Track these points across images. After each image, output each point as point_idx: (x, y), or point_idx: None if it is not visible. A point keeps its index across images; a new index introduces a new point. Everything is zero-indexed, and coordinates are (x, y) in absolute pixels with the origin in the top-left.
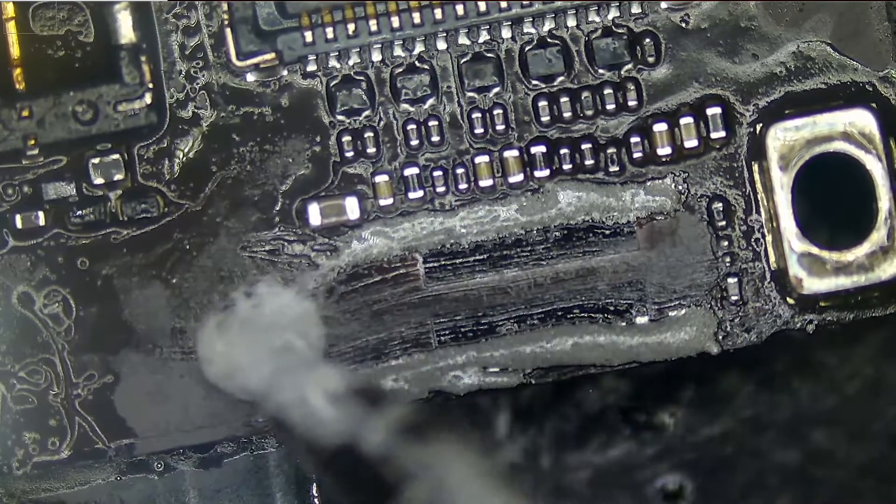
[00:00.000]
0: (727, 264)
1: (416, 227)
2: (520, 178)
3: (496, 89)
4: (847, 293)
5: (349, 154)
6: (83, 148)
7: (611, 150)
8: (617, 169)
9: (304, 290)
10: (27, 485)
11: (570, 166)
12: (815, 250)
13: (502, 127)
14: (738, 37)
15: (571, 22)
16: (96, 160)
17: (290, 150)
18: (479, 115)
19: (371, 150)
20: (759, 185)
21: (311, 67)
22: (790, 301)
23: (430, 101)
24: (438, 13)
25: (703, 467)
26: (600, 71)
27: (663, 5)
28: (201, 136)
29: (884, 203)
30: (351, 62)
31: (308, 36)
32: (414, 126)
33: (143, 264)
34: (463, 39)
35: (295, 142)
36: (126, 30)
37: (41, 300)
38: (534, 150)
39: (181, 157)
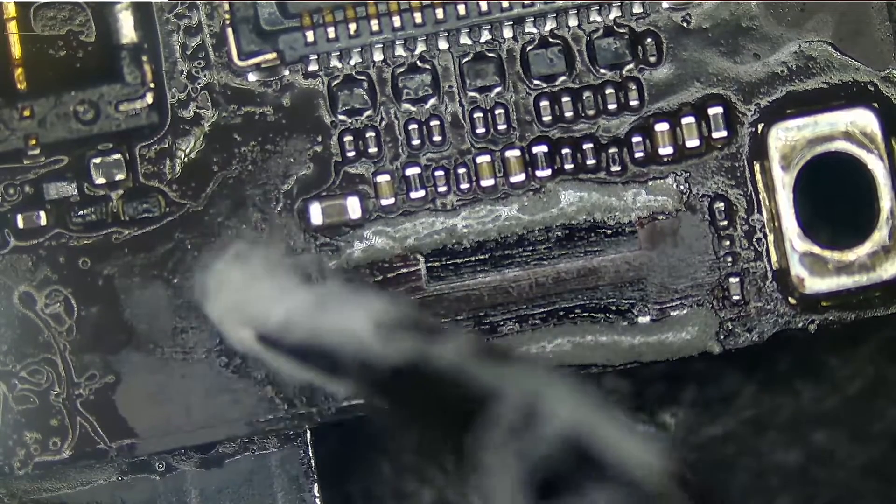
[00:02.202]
0: (729, 264)
1: (418, 226)
2: (521, 177)
3: (498, 89)
4: (849, 293)
5: (351, 154)
6: (84, 148)
7: (612, 150)
8: (618, 168)
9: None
10: (28, 485)
11: (572, 166)
12: (816, 250)
13: (504, 127)
14: (740, 36)
15: (573, 22)
16: (98, 160)
17: (292, 149)
18: (481, 114)
19: (372, 149)
20: (760, 185)
21: (313, 67)
22: (792, 301)
23: (432, 101)
24: (440, 13)
25: (704, 467)
26: (602, 70)
27: (665, 5)
28: (203, 136)
29: (885, 202)
30: (352, 62)
31: (309, 36)
32: (415, 126)
33: (144, 264)
34: (464, 39)
35: (296, 142)
36: (127, 30)
37: (43, 300)
38: (535, 149)
39: (182, 156)
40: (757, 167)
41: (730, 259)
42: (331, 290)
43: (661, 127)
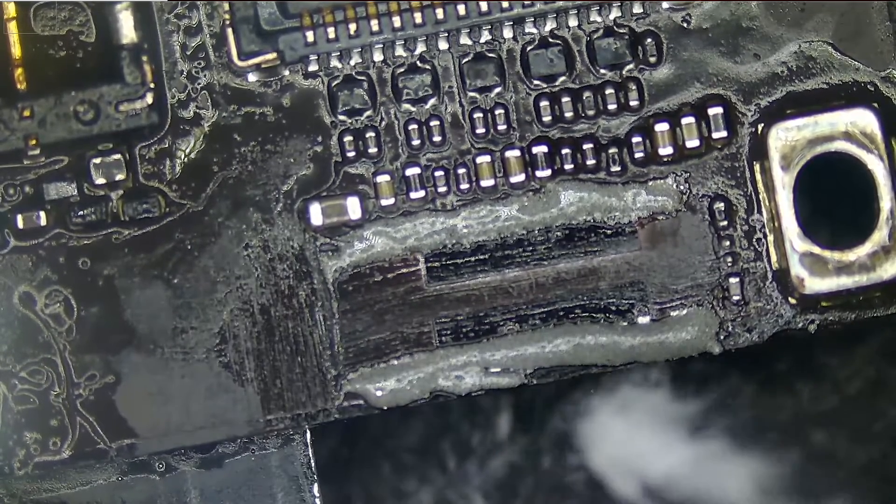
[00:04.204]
0: (729, 264)
1: (418, 226)
2: (521, 177)
3: (498, 89)
4: (849, 293)
5: (351, 154)
6: (84, 148)
7: (612, 150)
8: (618, 169)
9: None
10: (28, 485)
11: (572, 166)
12: (816, 250)
13: (504, 127)
14: (740, 37)
15: (573, 22)
16: (98, 160)
17: (292, 150)
18: (481, 114)
19: (372, 149)
20: (760, 185)
21: (313, 67)
22: (792, 301)
23: (432, 101)
24: (440, 13)
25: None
26: (602, 71)
27: (665, 5)
28: (203, 136)
29: (885, 203)
30: (352, 62)
31: (309, 36)
32: (415, 126)
33: (144, 264)
34: (464, 39)
35: (296, 142)
36: (127, 30)
37: (42, 300)
38: (535, 150)
39: (182, 157)
40: (757, 167)
41: (730, 259)
42: (712, 448)
43: (661, 127)
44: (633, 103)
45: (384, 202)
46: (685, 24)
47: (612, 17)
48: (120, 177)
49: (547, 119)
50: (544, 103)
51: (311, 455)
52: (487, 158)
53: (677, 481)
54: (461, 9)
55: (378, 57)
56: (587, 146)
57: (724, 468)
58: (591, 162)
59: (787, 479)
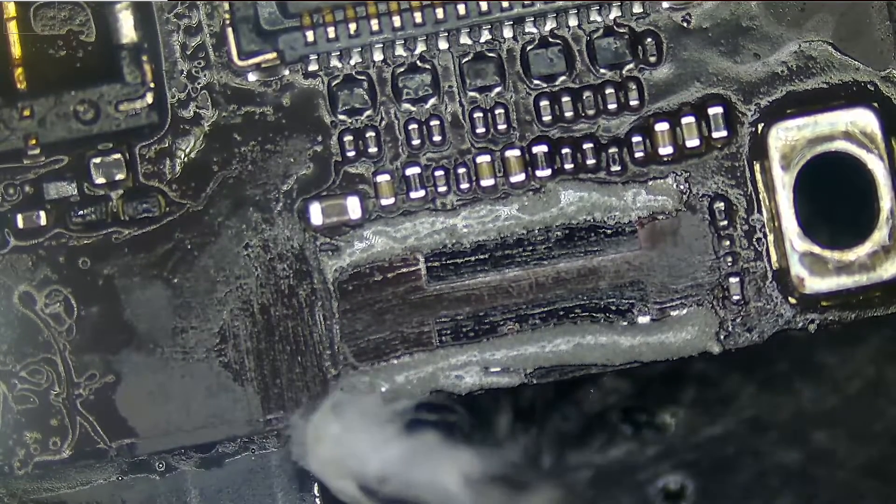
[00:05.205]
0: (729, 264)
1: (418, 226)
2: (521, 177)
3: (498, 89)
4: (849, 293)
5: (351, 154)
6: (84, 147)
7: (612, 150)
8: (618, 168)
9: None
10: (28, 484)
11: (572, 166)
12: (816, 250)
13: (504, 126)
14: (740, 36)
15: (573, 21)
16: (98, 160)
17: (292, 149)
18: (481, 114)
19: (373, 149)
20: (760, 185)
21: (313, 67)
22: (792, 301)
23: (432, 101)
24: (440, 13)
25: (704, 467)
26: (602, 70)
27: (665, 5)
28: (203, 136)
29: (885, 202)
30: (352, 62)
31: (309, 35)
32: (415, 125)
33: (144, 264)
34: (464, 39)
35: (296, 141)
36: (127, 29)
37: (42, 300)
38: (535, 149)
39: (182, 156)
40: (757, 167)
41: (730, 259)
42: (424, 442)
43: (661, 127)
44: (633, 103)
45: (384, 202)
46: (685, 24)
47: (612, 16)
48: (120, 176)
49: (547, 119)
50: (544, 103)
51: None
52: (487, 158)
53: (391, 475)
54: (461, 8)
55: (378, 56)
56: (587, 146)
57: (435, 460)
58: (591, 161)
59: (491, 468)
